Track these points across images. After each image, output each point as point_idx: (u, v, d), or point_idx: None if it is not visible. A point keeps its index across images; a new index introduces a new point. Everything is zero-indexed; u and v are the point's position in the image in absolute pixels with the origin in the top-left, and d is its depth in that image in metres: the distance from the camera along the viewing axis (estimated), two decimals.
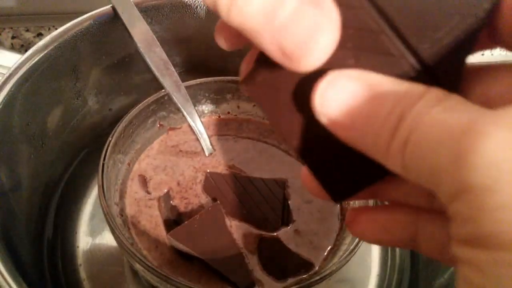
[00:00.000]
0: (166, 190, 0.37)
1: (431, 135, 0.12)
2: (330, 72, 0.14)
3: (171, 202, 0.37)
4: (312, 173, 0.18)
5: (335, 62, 0.14)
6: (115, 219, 0.32)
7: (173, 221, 0.36)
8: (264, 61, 0.16)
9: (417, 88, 0.13)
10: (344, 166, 0.17)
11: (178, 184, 0.38)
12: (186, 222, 0.34)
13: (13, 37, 0.55)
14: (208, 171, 0.39)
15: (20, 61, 0.36)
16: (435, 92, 0.13)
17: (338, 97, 0.14)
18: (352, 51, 0.15)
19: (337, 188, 0.18)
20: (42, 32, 0.56)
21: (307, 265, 0.34)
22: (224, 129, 0.44)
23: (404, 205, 0.18)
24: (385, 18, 0.14)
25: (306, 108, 0.15)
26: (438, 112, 0.12)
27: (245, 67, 0.18)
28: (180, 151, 0.41)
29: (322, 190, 0.18)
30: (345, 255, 0.31)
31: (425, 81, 0.14)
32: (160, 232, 0.35)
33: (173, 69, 0.40)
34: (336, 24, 0.14)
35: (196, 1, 0.43)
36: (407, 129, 0.13)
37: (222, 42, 0.18)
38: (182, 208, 0.37)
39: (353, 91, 0.14)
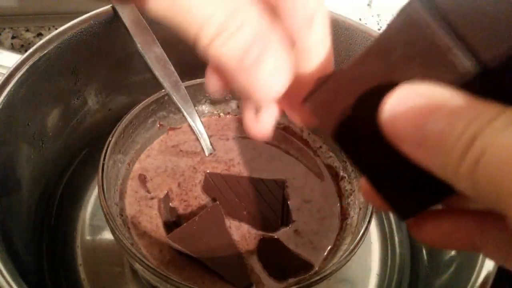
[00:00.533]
0: (166, 191, 0.37)
1: (500, 158, 0.12)
2: (399, 87, 0.14)
3: (170, 204, 0.37)
4: (375, 190, 0.17)
5: (404, 78, 0.14)
6: (115, 219, 0.32)
7: (173, 222, 0.36)
8: (328, 81, 0.17)
9: (491, 108, 0.13)
10: (410, 184, 0.16)
11: (178, 184, 0.38)
12: (184, 224, 0.34)
13: (13, 37, 0.55)
14: (208, 171, 0.39)
15: (20, 61, 0.36)
16: (510, 113, 0.12)
17: (407, 114, 0.14)
18: (420, 68, 0.15)
19: (403, 206, 0.17)
20: (42, 32, 0.56)
21: (307, 266, 0.34)
22: (224, 129, 0.44)
23: (469, 211, 0.18)
24: (453, 32, 0.14)
25: (370, 125, 0.15)
26: (510, 134, 0.12)
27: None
28: (180, 151, 0.41)
29: (385, 204, 0.17)
30: (345, 255, 0.31)
31: (496, 97, 0.13)
32: (161, 232, 0.35)
33: (173, 69, 0.40)
34: (288, 70, 0.17)
35: None
36: (479, 150, 0.12)
37: (211, 85, 0.20)
38: (181, 210, 0.37)
39: (423, 107, 0.14)
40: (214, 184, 0.38)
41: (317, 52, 0.19)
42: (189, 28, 0.16)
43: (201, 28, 0.16)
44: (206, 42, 0.16)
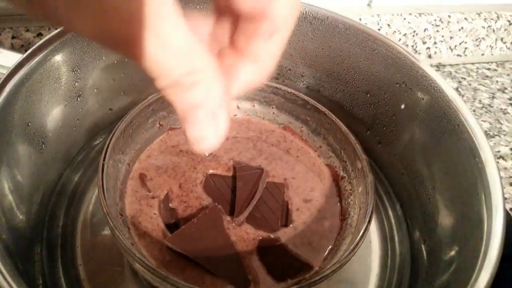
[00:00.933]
0: (166, 192, 0.37)
1: None
2: None
3: (170, 204, 0.37)
4: None
5: None
6: (115, 219, 0.32)
7: (173, 223, 0.36)
8: None
9: None
10: None
11: (178, 184, 0.38)
12: (183, 227, 0.33)
13: (13, 37, 0.55)
14: (210, 172, 0.39)
15: (20, 61, 0.36)
16: None
17: None
18: None
19: None
20: (42, 32, 0.56)
21: (306, 266, 0.34)
22: None
23: None
24: None
25: None
26: None
27: None
28: (180, 151, 0.41)
29: None
30: (345, 255, 0.31)
31: None
32: (161, 232, 0.35)
33: None
34: (224, 134, 0.20)
35: (196, 0, 0.43)
36: None
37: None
38: (180, 211, 0.36)
39: None
40: (215, 185, 0.38)
41: (265, 62, 0.21)
42: (147, 71, 0.18)
43: (159, 76, 0.18)
44: (161, 86, 0.18)
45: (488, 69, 0.76)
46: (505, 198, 0.34)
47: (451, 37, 0.72)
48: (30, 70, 0.36)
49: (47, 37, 0.38)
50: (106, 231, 0.40)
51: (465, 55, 0.76)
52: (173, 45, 0.17)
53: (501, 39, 0.76)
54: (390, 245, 0.43)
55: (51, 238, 0.39)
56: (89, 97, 0.43)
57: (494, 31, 0.74)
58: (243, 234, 0.35)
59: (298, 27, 0.47)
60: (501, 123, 0.64)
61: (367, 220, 0.33)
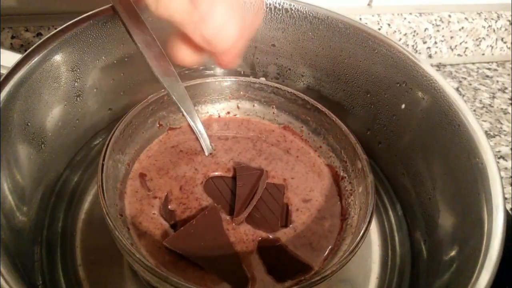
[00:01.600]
0: (165, 193, 0.37)
1: None
2: None
3: (169, 206, 0.37)
4: None
5: None
6: (115, 219, 0.32)
7: (172, 224, 0.36)
8: None
9: None
10: None
11: (178, 186, 0.38)
12: (182, 228, 0.33)
13: (13, 37, 0.55)
14: (210, 173, 0.39)
15: (20, 60, 0.36)
16: None
17: None
18: None
19: None
20: (42, 32, 0.56)
21: (306, 267, 0.34)
22: (224, 129, 0.44)
23: None
24: None
25: None
26: None
27: None
28: (180, 151, 0.41)
29: None
30: (345, 255, 0.31)
31: None
32: (160, 232, 0.35)
33: (173, 69, 0.39)
34: (240, 19, 0.18)
35: None
36: None
37: (180, 59, 0.21)
38: (179, 212, 0.36)
39: None
40: (215, 186, 0.38)
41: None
42: None
43: None
44: (154, 3, 0.18)
45: (489, 69, 0.76)
46: (505, 198, 0.34)
47: (451, 37, 0.72)
48: (30, 70, 0.36)
49: (46, 37, 0.38)
50: (106, 231, 0.40)
51: (466, 55, 0.76)
52: None
53: (502, 39, 0.76)
54: (390, 245, 0.43)
55: (50, 238, 0.39)
56: (88, 97, 0.43)
57: (494, 31, 0.74)
58: (242, 235, 0.35)
59: (298, 27, 0.47)
60: (501, 123, 0.64)
61: (368, 220, 0.33)
